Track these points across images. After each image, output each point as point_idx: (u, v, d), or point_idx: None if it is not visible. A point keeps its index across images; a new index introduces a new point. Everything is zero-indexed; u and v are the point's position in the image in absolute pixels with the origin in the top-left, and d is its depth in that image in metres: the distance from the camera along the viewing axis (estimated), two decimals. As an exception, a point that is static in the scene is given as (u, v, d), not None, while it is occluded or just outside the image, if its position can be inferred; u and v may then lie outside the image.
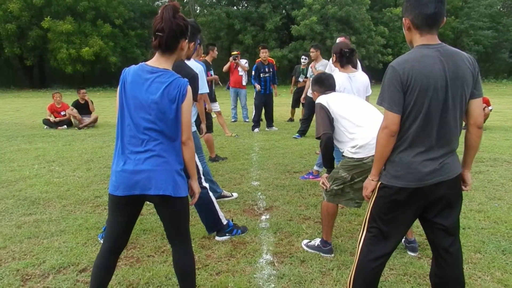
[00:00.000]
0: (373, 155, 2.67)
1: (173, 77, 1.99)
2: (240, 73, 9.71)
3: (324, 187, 2.99)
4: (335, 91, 3.26)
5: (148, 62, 2.04)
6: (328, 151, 2.92)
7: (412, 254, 3.03)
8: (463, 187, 2.08)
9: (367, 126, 2.79)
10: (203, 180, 3.27)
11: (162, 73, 1.99)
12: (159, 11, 1.98)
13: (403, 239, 3.10)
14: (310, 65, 7.96)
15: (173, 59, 2.07)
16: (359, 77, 3.80)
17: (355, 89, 3.70)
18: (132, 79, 1.99)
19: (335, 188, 2.93)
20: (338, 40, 6.42)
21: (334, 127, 2.92)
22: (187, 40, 2.07)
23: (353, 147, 2.80)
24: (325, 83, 3.25)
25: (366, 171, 2.73)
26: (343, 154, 2.95)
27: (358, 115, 2.88)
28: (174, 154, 2.03)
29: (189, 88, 2.01)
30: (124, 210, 2.08)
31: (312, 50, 7.84)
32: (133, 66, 2.05)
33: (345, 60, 3.70)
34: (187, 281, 2.20)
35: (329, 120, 2.91)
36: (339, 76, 3.69)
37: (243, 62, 9.77)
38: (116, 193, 2.01)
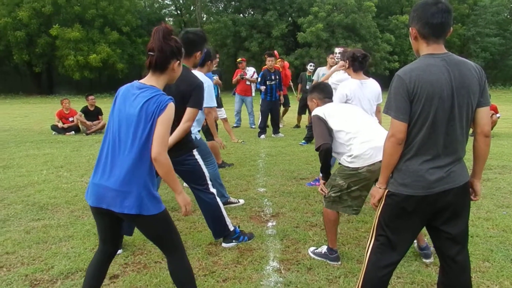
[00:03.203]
0: (368, 165, 2.75)
1: (155, 93, 1.99)
2: (247, 82, 9.80)
3: (323, 194, 3.03)
4: (332, 100, 3.31)
5: (141, 80, 2.10)
6: (327, 160, 2.97)
7: (427, 260, 3.01)
8: (472, 197, 2.08)
9: (363, 136, 2.83)
10: (210, 186, 3.28)
11: (147, 89, 2.02)
12: (152, 32, 2.05)
13: (416, 247, 3.10)
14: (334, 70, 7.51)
15: (164, 79, 2.10)
16: (370, 85, 3.77)
17: (365, 96, 3.69)
18: (122, 94, 2.07)
19: (333, 195, 2.95)
20: (337, 50, 6.32)
21: (332, 137, 2.94)
22: (179, 62, 2.11)
23: (349, 156, 2.85)
24: (324, 90, 3.30)
25: (362, 181, 2.82)
26: (340, 162, 2.99)
27: (354, 126, 2.91)
28: (146, 171, 1.99)
29: (170, 105, 1.97)
30: (101, 218, 2.14)
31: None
32: (127, 84, 2.12)
33: (357, 65, 3.68)
34: None
35: (327, 130, 2.94)
36: (350, 83, 3.71)
37: (251, 71, 9.82)
38: (89, 202, 2.09)
